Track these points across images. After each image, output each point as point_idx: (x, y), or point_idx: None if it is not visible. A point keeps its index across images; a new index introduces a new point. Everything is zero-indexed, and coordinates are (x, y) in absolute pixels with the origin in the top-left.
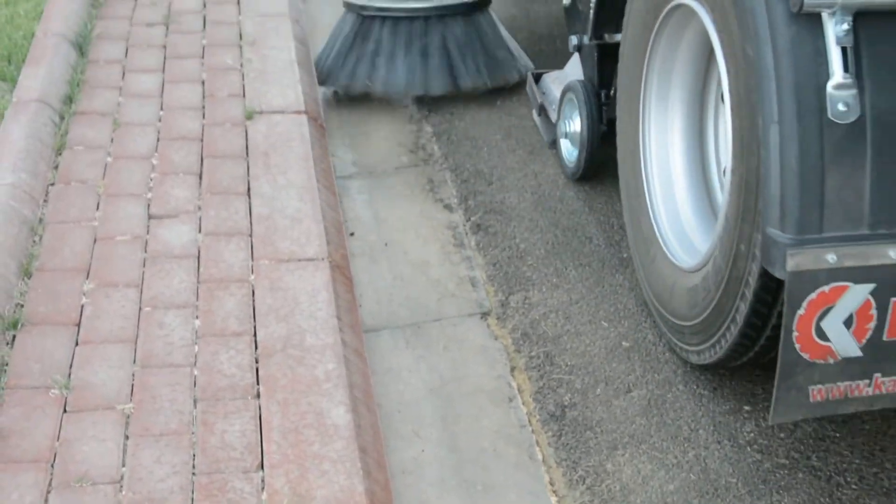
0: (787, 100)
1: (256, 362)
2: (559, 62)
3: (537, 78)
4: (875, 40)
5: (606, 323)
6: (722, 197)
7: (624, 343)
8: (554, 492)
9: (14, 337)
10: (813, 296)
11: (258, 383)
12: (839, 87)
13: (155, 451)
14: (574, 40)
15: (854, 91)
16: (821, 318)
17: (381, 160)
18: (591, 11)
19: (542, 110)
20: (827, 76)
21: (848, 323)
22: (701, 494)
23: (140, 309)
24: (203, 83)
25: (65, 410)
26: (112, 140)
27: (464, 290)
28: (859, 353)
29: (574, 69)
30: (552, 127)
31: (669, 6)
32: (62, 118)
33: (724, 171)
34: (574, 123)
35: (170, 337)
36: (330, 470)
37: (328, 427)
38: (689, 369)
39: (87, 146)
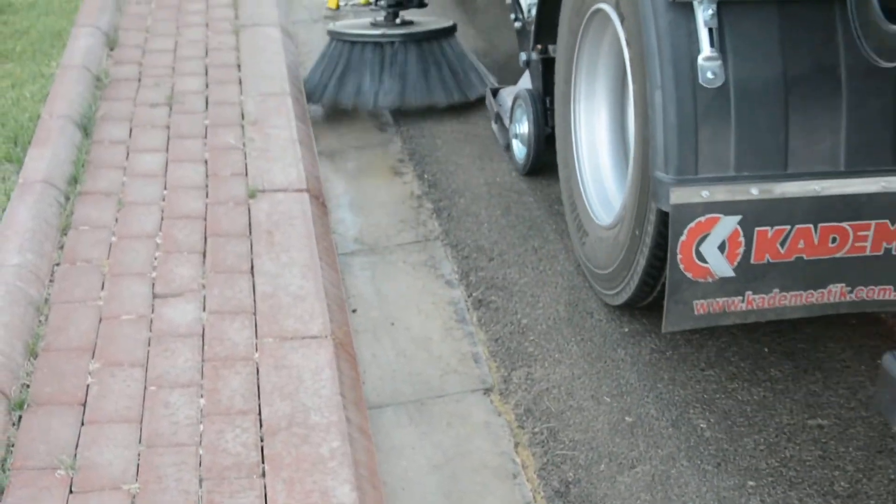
0: (667, 70)
1: (261, 441)
2: (515, 81)
3: (495, 92)
4: (734, 22)
5: (609, 398)
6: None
7: (627, 418)
8: None
9: (20, 417)
10: (692, 224)
11: (263, 462)
12: (707, 59)
13: None
14: (523, 56)
15: (719, 62)
16: (699, 243)
17: (384, 236)
18: (532, 28)
19: (499, 119)
20: (698, 51)
21: (721, 248)
22: None
23: (145, 388)
24: (206, 163)
25: (71, 491)
26: (116, 220)
27: (466, 366)
28: (732, 274)
29: (525, 83)
30: (506, 132)
31: (590, 12)
32: (67, 199)
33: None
34: (523, 126)
35: (175, 416)
36: None
37: None
38: (692, 444)
39: (92, 226)
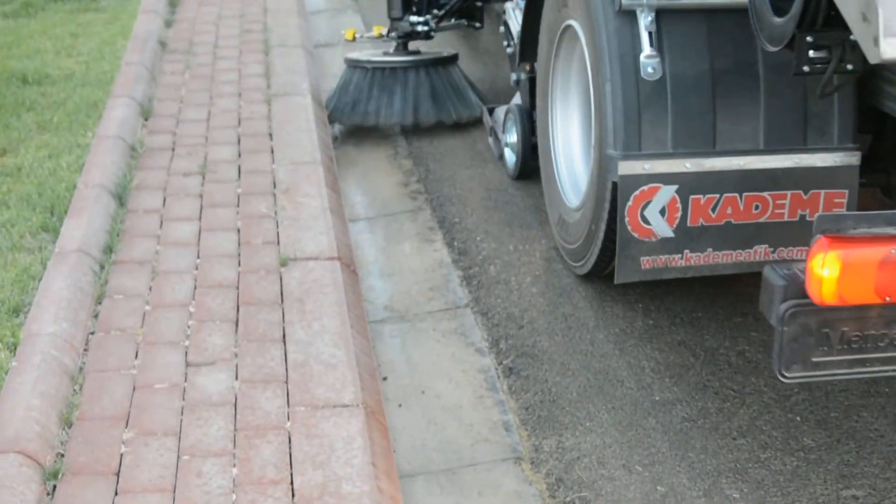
0: (615, 66)
1: None
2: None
3: (490, 111)
4: (670, 27)
5: (640, 467)
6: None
7: (658, 488)
8: None
9: (55, 487)
10: (636, 192)
11: None
12: (648, 57)
13: None
14: (514, 76)
15: (658, 59)
16: (643, 208)
17: (414, 304)
18: (517, 48)
19: (493, 133)
20: (640, 50)
21: (662, 212)
22: None
23: (178, 457)
24: (238, 231)
25: None
26: (150, 288)
27: (497, 434)
28: (672, 235)
29: (516, 100)
30: (500, 143)
31: (561, 29)
32: (102, 267)
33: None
34: (513, 136)
35: (208, 486)
36: None
37: None
38: None
39: (126, 295)
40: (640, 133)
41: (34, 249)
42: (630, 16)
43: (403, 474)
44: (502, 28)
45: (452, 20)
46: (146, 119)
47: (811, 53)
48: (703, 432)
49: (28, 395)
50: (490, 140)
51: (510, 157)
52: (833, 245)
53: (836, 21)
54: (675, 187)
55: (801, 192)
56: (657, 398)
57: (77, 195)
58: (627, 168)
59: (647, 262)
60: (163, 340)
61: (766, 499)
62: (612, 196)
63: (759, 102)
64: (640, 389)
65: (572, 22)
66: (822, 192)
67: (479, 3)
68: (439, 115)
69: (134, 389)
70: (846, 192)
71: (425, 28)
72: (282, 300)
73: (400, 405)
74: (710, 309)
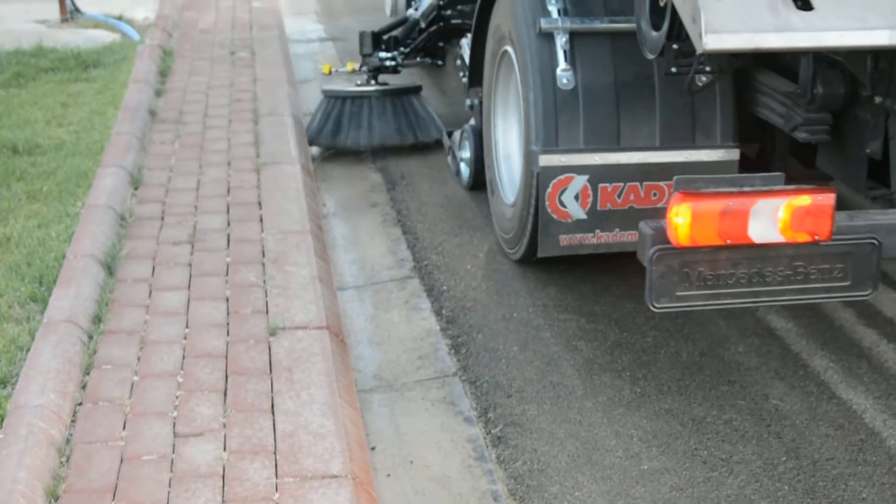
0: (537, 78)
1: None
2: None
3: (450, 134)
4: (581, 46)
5: None
6: None
7: None
8: None
9: None
10: (554, 181)
11: None
12: (563, 70)
13: None
14: (468, 101)
15: (571, 72)
16: (560, 194)
17: (402, 372)
18: (468, 75)
19: (451, 152)
20: (557, 65)
21: (576, 198)
22: None
23: None
24: (227, 300)
25: None
26: (139, 358)
27: None
28: (585, 217)
29: (470, 122)
30: (456, 161)
31: (500, 54)
32: (90, 337)
33: None
34: (467, 152)
35: None
36: None
37: None
38: None
39: (115, 365)
40: (557, 132)
41: (22, 320)
42: (549, 37)
43: None
44: (458, 61)
45: (417, 58)
46: (136, 188)
47: (678, 59)
48: (692, 502)
49: (14, 468)
50: (448, 159)
51: (465, 170)
52: (686, 199)
53: None
54: (586, 177)
55: None
56: (645, 467)
57: (66, 265)
58: (547, 161)
59: (564, 239)
60: (151, 411)
61: None
62: (535, 184)
63: (655, 108)
64: (628, 458)
65: (507, 48)
66: None
67: (440, 44)
68: (403, 138)
69: (121, 461)
70: None
71: (393, 63)
72: (270, 370)
73: (388, 475)
74: (696, 377)
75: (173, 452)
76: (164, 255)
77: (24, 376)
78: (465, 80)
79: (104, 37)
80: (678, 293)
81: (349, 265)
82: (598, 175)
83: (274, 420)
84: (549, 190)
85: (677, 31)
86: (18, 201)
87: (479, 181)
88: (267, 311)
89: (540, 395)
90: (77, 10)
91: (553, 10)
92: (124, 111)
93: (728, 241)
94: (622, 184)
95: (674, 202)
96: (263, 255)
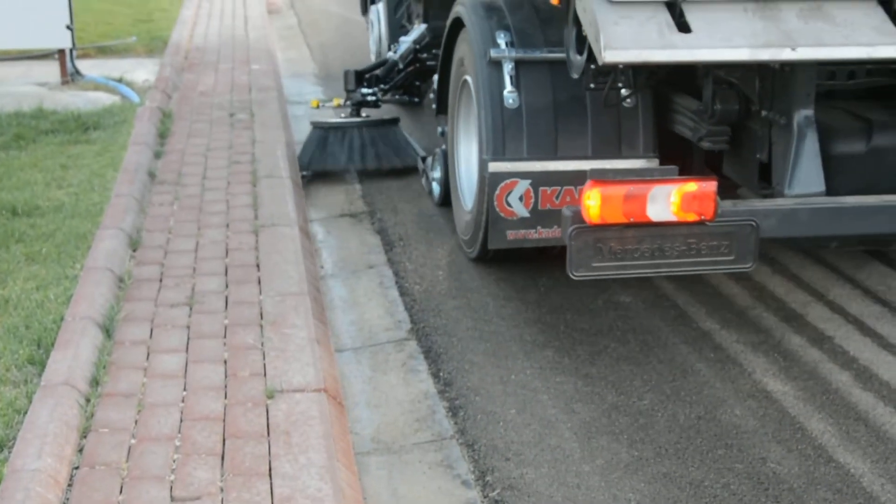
0: (487, 99)
1: None
2: None
3: (424, 159)
4: (525, 72)
5: None
6: None
7: None
8: None
9: None
10: (502, 184)
11: None
12: (509, 92)
13: None
14: (440, 129)
15: (516, 94)
16: (507, 196)
17: (400, 435)
18: (437, 105)
19: (425, 174)
20: (504, 87)
21: (521, 199)
22: None
23: None
24: (225, 363)
25: None
26: (136, 422)
27: None
28: (528, 215)
29: (441, 148)
30: (429, 181)
31: (461, 83)
32: (88, 401)
33: None
34: (438, 173)
35: None
36: None
37: None
38: None
39: (112, 428)
40: (504, 143)
41: (20, 382)
42: (498, 65)
43: None
44: (431, 94)
45: (395, 95)
46: (134, 250)
47: (596, 78)
48: None
49: None
50: (423, 181)
51: (436, 188)
52: (595, 185)
53: None
54: (529, 181)
55: None
56: None
57: (64, 327)
58: (495, 167)
59: (511, 234)
60: (148, 475)
61: None
62: (486, 188)
63: (587, 124)
64: None
65: (467, 76)
66: None
67: (417, 83)
68: (382, 162)
69: None
70: None
71: (373, 98)
72: (268, 433)
73: None
74: (694, 440)
75: None
76: (162, 317)
77: (21, 440)
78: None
79: (104, 99)
80: (593, 264)
81: (347, 326)
82: (539, 180)
83: (271, 484)
84: (497, 192)
85: (593, 54)
86: (17, 263)
87: (449, 198)
88: (265, 374)
89: (538, 458)
90: (78, 72)
91: (502, 42)
92: (124, 173)
93: (631, 220)
94: (559, 187)
95: (587, 188)
96: (262, 317)
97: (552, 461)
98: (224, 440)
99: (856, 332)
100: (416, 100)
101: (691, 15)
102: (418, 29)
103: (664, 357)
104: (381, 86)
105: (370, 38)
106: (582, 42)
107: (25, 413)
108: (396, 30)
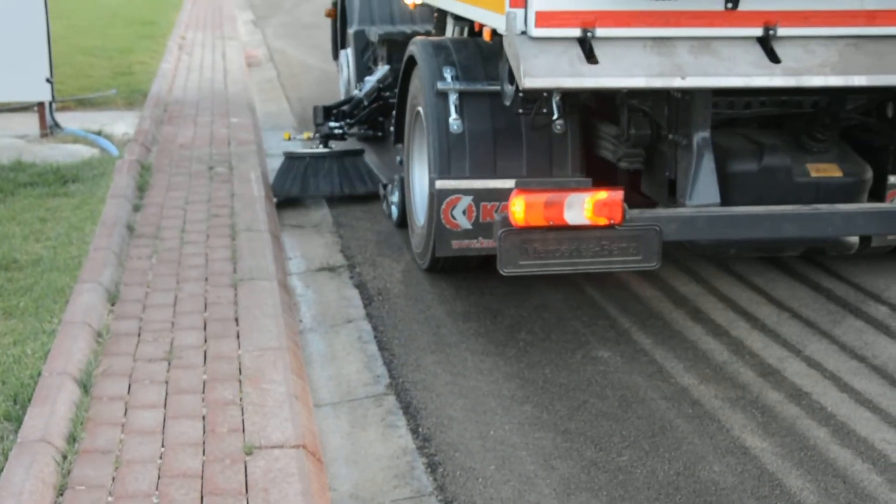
0: (434, 125)
1: None
2: None
3: (385, 186)
4: (468, 102)
5: None
6: None
7: None
8: None
9: None
10: (447, 200)
11: None
12: (454, 119)
13: None
14: (398, 158)
15: (460, 121)
16: (452, 210)
17: (379, 492)
18: (395, 134)
19: (385, 199)
20: (449, 115)
21: (464, 213)
22: None
23: None
24: (204, 418)
25: None
26: (114, 479)
27: None
28: (471, 227)
29: (400, 174)
30: (389, 205)
31: (414, 113)
32: (65, 457)
33: None
34: (396, 197)
35: None
36: None
37: None
38: None
39: (89, 486)
40: (449, 164)
41: None
42: (444, 96)
43: None
44: (392, 128)
45: (361, 129)
46: (113, 304)
47: (524, 104)
48: None
49: None
50: (383, 205)
51: (394, 210)
52: (520, 193)
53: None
54: (471, 197)
55: None
56: None
57: (41, 383)
58: (441, 184)
59: (455, 244)
60: None
61: None
62: (434, 203)
63: (522, 147)
64: None
65: (419, 108)
66: None
67: (380, 118)
68: (347, 189)
69: None
70: None
71: (340, 132)
72: (246, 490)
73: None
74: (673, 497)
75: None
76: (140, 372)
77: None
78: (398, 145)
79: (84, 151)
80: (520, 262)
81: (326, 381)
82: (480, 196)
83: None
84: (443, 206)
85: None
86: None
87: (405, 220)
88: (243, 430)
89: None
90: (57, 124)
91: (447, 76)
92: (102, 226)
93: (551, 223)
94: (498, 202)
95: (513, 196)
96: (240, 372)
97: None
98: (202, 497)
99: (833, 387)
100: (380, 134)
101: (599, 50)
102: (382, 70)
103: (643, 412)
104: (348, 120)
105: (340, 80)
106: (511, 73)
107: (1, 470)
108: (363, 71)
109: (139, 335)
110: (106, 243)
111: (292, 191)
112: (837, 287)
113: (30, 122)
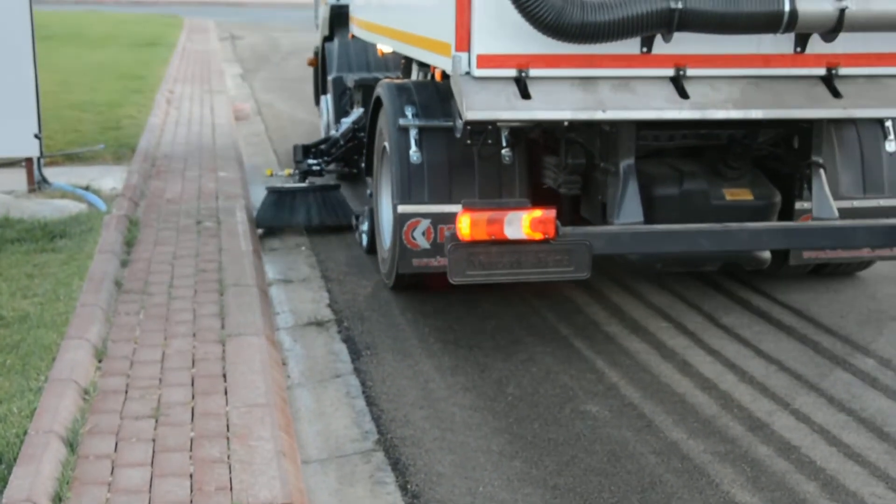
0: (397, 157)
1: None
2: None
3: (357, 217)
4: (426, 136)
5: None
6: None
7: None
8: None
9: None
10: (408, 223)
11: None
12: (414, 151)
13: None
14: (368, 190)
15: (419, 153)
16: (412, 231)
17: None
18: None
19: (357, 228)
20: (410, 147)
21: (423, 234)
22: None
23: None
24: (191, 476)
25: None
26: None
27: None
28: (429, 247)
29: (370, 206)
30: (360, 234)
31: (381, 148)
32: None
33: None
34: (366, 226)
35: None
36: None
37: None
38: None
39: None
40: (410, 191)
41: None
42: (405, 131)
43: None
44: (363, 164)
45: (337, 166)
46: (100, 361)
47: (472, 137)
48: None
49: None
50: (356, 235)
51: (364, 238)
52: (467, 211)
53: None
54: (429, 220)
55: None
56: None
57: (27, 441)
58: (403, 209)
59: (416, 262)
60: None
61: None
62: (396, 226)
63: (475, 176)
64: None
65: (385, 143)
66: None
67: (355, 157)
68: (324, 220)
69: None
70: None
71: (318, 168)
72: None
73: None
74: None
75: None
76: (127, 430)
77: None
78: (368, 180)
79: (72, 207)
80: (467, 272)
81: (314, 437)
82: (438, 219)
83: None
84: (405, 228)
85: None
86: None
87: (374, 247)
88: (231, 488)
89: None
90: (45, 180)
91: (409, 114)
92: (90, 282)
93: (493, 237)
94: (454, 225)
95: (460, 214)
96: (228, 429)
97: None
98: None
99: (822, 441)
100: (355, 170)
101: (532, 88)
102: (357, 112)
103: (632, 468)
104: (325, 158)
105: (321, 123)
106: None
107: None
108: (341, 114)
109: (126, 392)
110: (93, 299)
111: (274, 221)
112: (824, 339)
113: (18, 178)
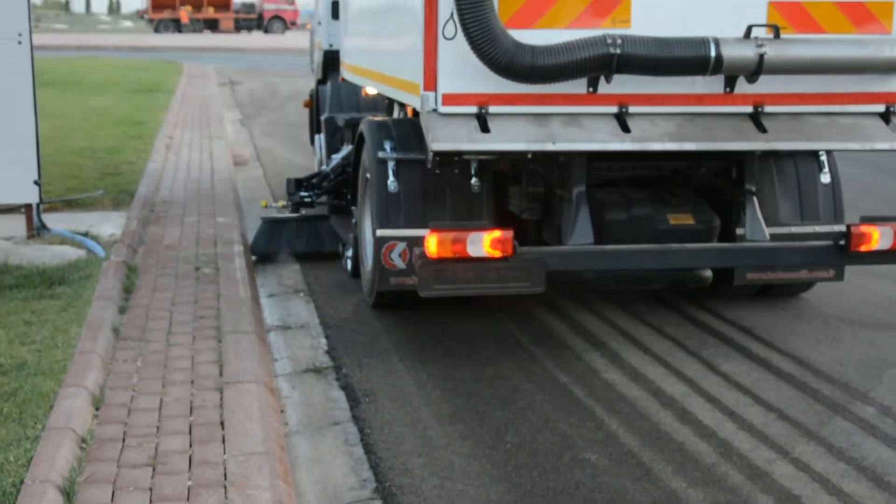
0: (376, 188)
1: None
2: None
3: (343, 245)
4: (403, 168)
5: None
6: None
7: None
8: None
9: None
10: (386, 245)
11: None
12: (391, 181)
13: None
14: (353, 220)
15: (396, 182)
16: (390, 253)
17: None
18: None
19: (343, 254)
20: (388, 178)
21: (400, 255)
22: None
23: None
24: None
25: None
26: None
27: None
28: (405, 267)
29: (354, 234)
30: (346, 259)
31: (364, 178)
32: None
33: None
34: (350, 251)
35: None
36: None
37: None
38: None
39: None
40: (388, 216)
41: None
42: (384, 162)
43: None
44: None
45: (327, 199)
46: (98, 408)
47: (440, 166)
48: None
49: None
50: (343, 260)
51: (349, 263)
52: (434, 232)
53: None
54: (405, 243)
55: None
56: None
57: (24, 491)
58: (381, 233)
59: (393, 280)
60: None
61: None
62: (376, 249)
63: (446, 203)
64: None
65: (367, 174)
66: None
67: (344, 190)
68: (315, 247)
69: None
70: None
71: (310, 200)
72: None
73: None
74: None
75: None
76: (124, 478)
77: None
78: (353, 209)
79: (70, 253)
80: (436, 287)
81: (312, 486)
82: (412, 242)
83: None
84: (383, 250)
85: None
86: None
87: (358, 271)
88: None
89: None
90: (44, 226)
91: (387, 148)
92: (88, 329)
93: (457, 255)
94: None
95: (428, 234)
96: (226, 478)
97: None
98: None
99: (822, 490)
100: (343, 203)
101: (491, 123)
102: (346, 149)
103: None
104: (316, 191)
105: (315, 160)
106: None
107: None
108: (333, 151)
109: (124, 440)
110: (91, 346)
111: (268, 250)
112: (824, 387)
113: (16, 224)
